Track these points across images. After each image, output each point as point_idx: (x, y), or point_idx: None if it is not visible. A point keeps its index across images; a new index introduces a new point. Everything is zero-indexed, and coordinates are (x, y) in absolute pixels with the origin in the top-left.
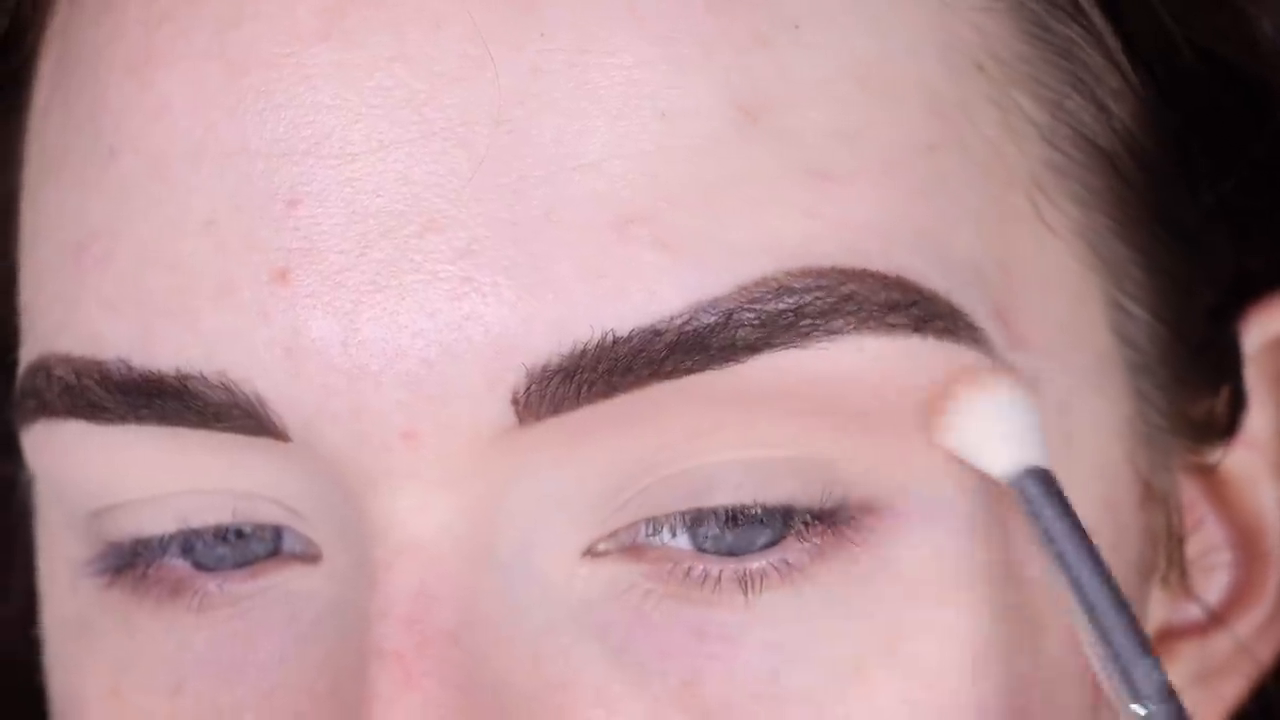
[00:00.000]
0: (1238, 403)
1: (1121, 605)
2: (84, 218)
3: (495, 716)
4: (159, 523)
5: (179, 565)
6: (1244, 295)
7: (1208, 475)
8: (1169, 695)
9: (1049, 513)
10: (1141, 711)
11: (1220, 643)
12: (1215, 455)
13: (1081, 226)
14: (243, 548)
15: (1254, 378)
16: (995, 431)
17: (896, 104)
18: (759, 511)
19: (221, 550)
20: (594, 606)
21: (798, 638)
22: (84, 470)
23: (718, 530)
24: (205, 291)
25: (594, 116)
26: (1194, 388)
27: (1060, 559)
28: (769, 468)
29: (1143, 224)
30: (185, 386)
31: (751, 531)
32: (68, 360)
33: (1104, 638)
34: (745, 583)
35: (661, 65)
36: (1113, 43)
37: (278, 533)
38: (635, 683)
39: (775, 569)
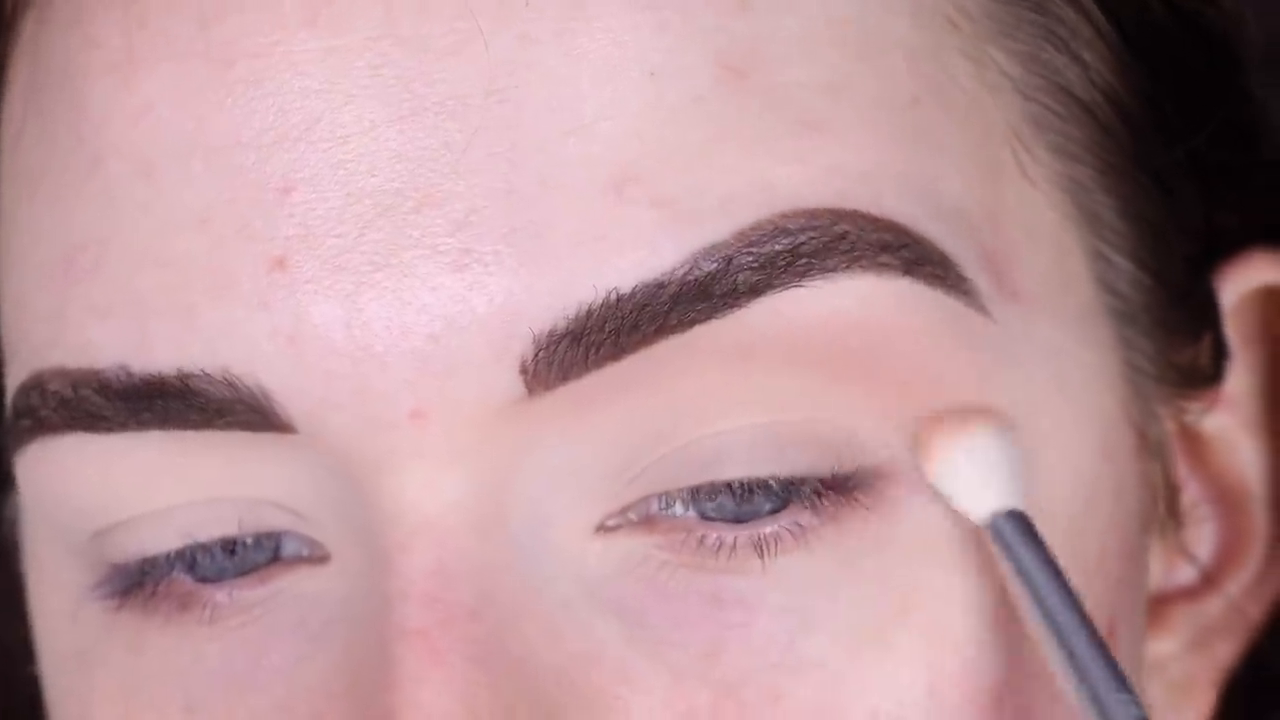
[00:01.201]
0: (1219, 350)
1: (1098, 642)
2: (69, 230)
3: (521, 692)
4: (162, 539)
5: (184, 580)
6: (1218, 252)
7: (1190, 438)
8: None
9: (1024, 554)
10: None
11: (1212, 605)
12: (1202, 406)
13: (1061, 177)
14: (243, 557)
15: (1230, 335)
16: (970, 476)
17: (877, 60)
18: (774, 484)
19: (223, 562)
20: (609, 580)
21: (814, 603)
22: (83, 486)
23: (724, 502)
24: (201, 287)
25: (584, 81)
26: (1177, 335)
27: (1037, 600)
28: (779, 434)
29: (1122, 172)
30: (187, 385)
31: (757, 501)
32: (62, 373)
33: (1082, 676)
34: (760, 547)
35: (647, 28)
36: None
37: (276, 540)
38: (655, 656)
39: (789, 531)
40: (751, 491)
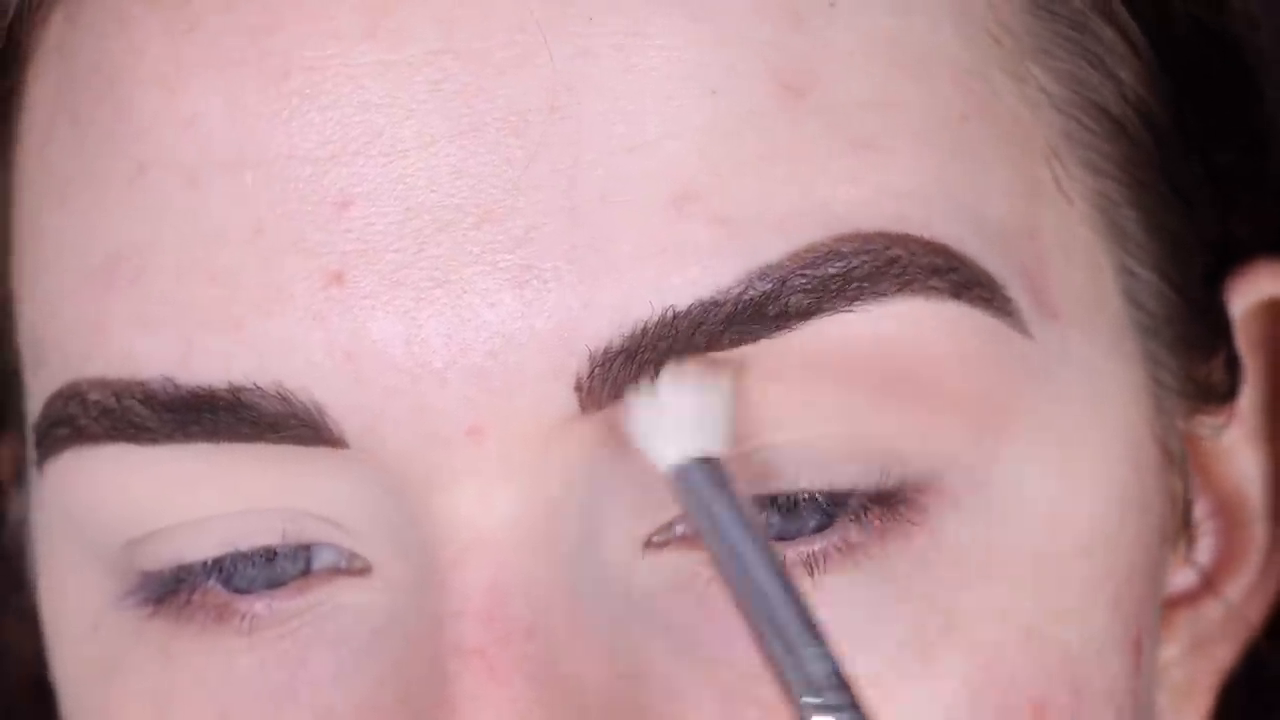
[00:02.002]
0: (1233, 366)
1: (793, 595)
2: (108, 238)
3: (574, 710)
4: (200, 548)
5: (219, 590)
6: (1228, 262)
7: (1192, 445)
8: (841, 683)
9: (712, 504)
10: (815, 700)
11: (1210, 609)
12: (1218, 421)
13: (1093, 193)
14: (277, 567)
15: (1239, 345)
16: (662, 423)
17: (927, 77)
18: (820, 497)
19: (256, 572)
20: (657, 597)
21: (861, 620)
22: (121, 495)
23: (770, 516)
24: (253, 300)
25: (644, 97)
26: (1196, 349)
27: (723, 550)
28: (825, 449)
29: (1148, 186)
30: (238, 399)
31: (803, 516)
32: (103, 383)
33: (774, 630)
34: (810, 564)
35: (706, 44)
36: (1120, 11)
37: (309, 551)
38: (704, 674)
39: (836, 549)
40: (796, 505)
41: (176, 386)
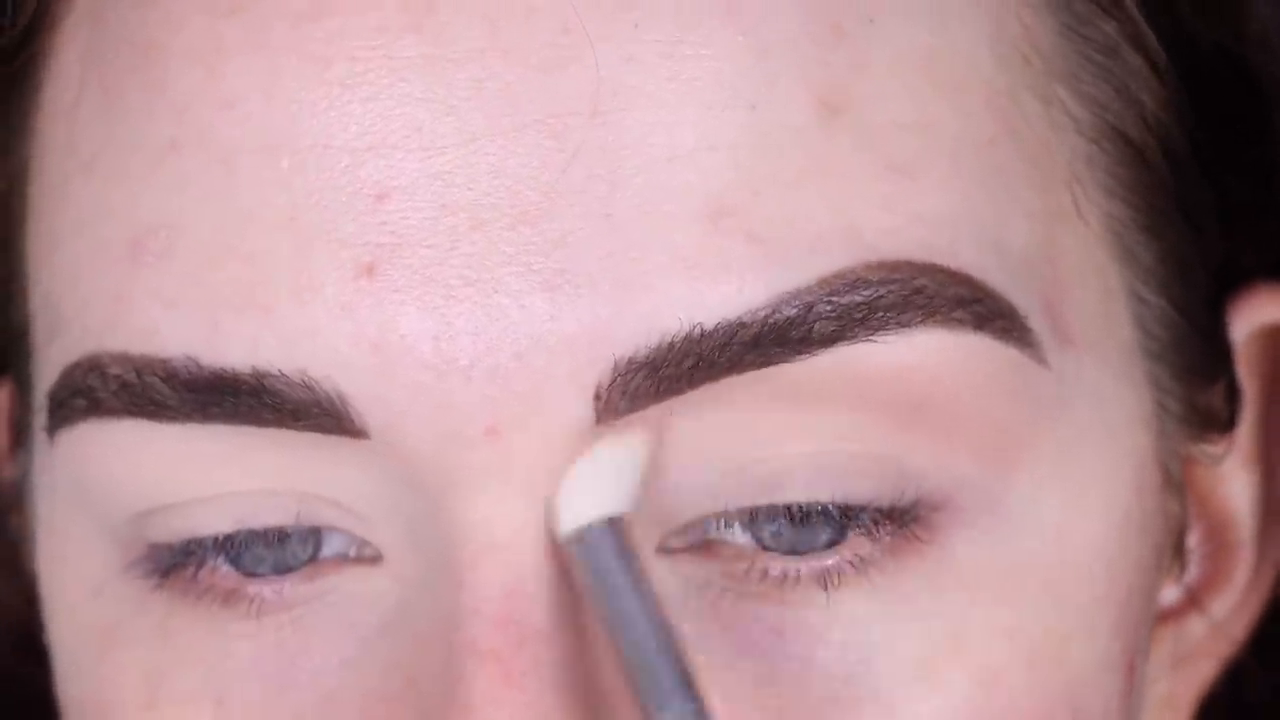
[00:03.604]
0: (1234, 393)
1: (673, 646)
2: (137, 212)
3: (589, 715)
4: (211, 523)
5: (227, 571)
6: (1229, 285)
7: (1188, 466)
8: None
9: (604, 570)
10: None
11: (1193, 627)
12: (1218, 450)
13: (1108, 217)
14: (282, 551)
15: (1238, 368)
16: (564, 495)
17: (960, 97)
18: (832, 509)
19: (262, 553)
20: (671, 602)
21: (872, 637)
22: (137, 471)
23: (782, 528)
24: (282, 286)
25: (687, 108)
26: (1199, 375)
27: (612, 609)
28: (838, 462)
29: (1162, 212)
30: (262, 384)
31: (815, 529)
32: (125, 358)
33: (646, 680)
34: (825, 580)
35: (750, 57)
36: (1149, 39)
37: (319, 536)
38: (713, 681)
39: (850, 564)
40: (808, 516)
41: (200, 367)
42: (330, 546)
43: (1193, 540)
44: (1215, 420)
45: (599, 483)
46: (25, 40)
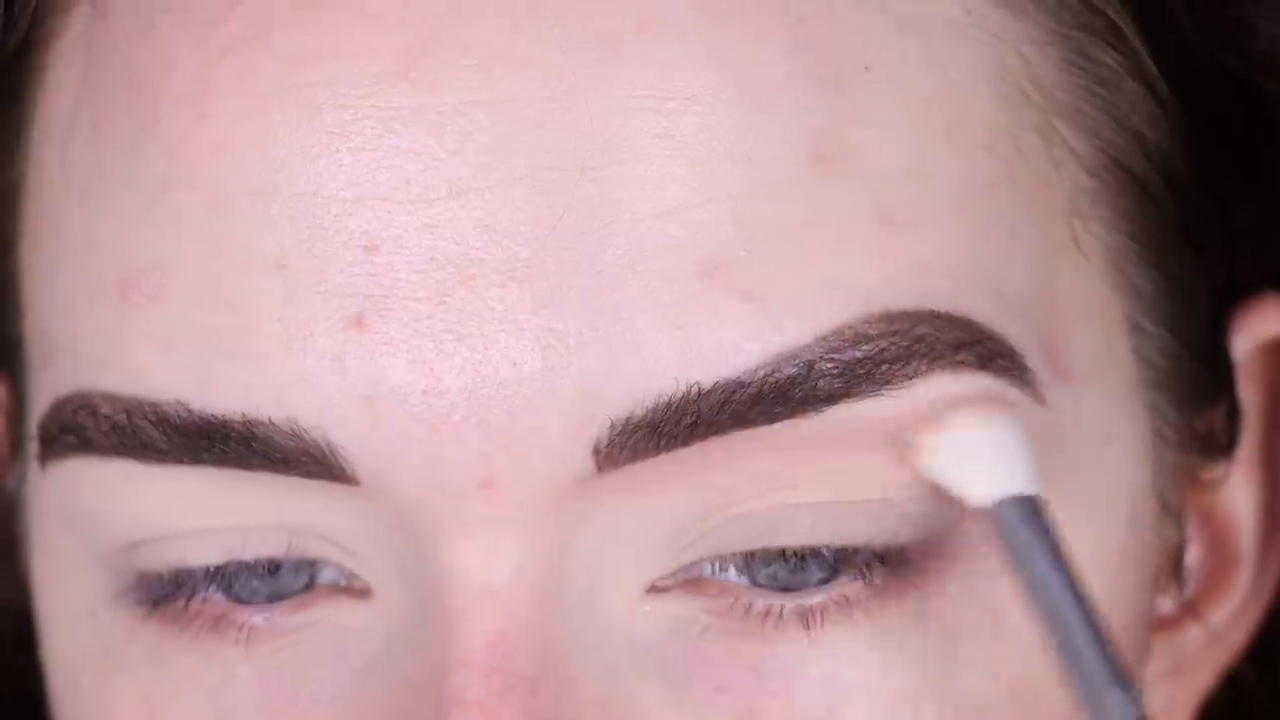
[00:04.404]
0: (1235, 415)
1: (1101, 637)
2: (128, 250)
3: None
4: (202, 554)
5: (218, 599)
6: (1231, 299)
7: (1189, 477)
8: None
9: (1032, 542)
10: None
11: (1192, 635)
12: (1218, 471)
13: (1110, 251)
14: (280, 581)
15: (1239, 383)
16: (977, 460)
17: (959, 141)
18: (827, 553)
19: (256, 583)
20: (656, 643)
21: (854, 674)
22: (126, 507)
23: (778, 570)
24: (273, 335)
25: (677, 163)
26: (1199, 400)
27: (1040, 589)
28: (839, 510)
29: (1164, 243)
30: (252, 432)
31: (809, 569)
32: (115, 399)
33: (1084, 673)
34: (806, 618)
35: (741, 109)
36: (1150, 68)
37: (313, 566)
38: (694, 716)
39: (835, 604)
40: (804, 560)
41: (190, 412)
42: (325, 575)
43: (1191, 556)
44: (1215, 443)
45: (1004, 456)
46: (19, 54)
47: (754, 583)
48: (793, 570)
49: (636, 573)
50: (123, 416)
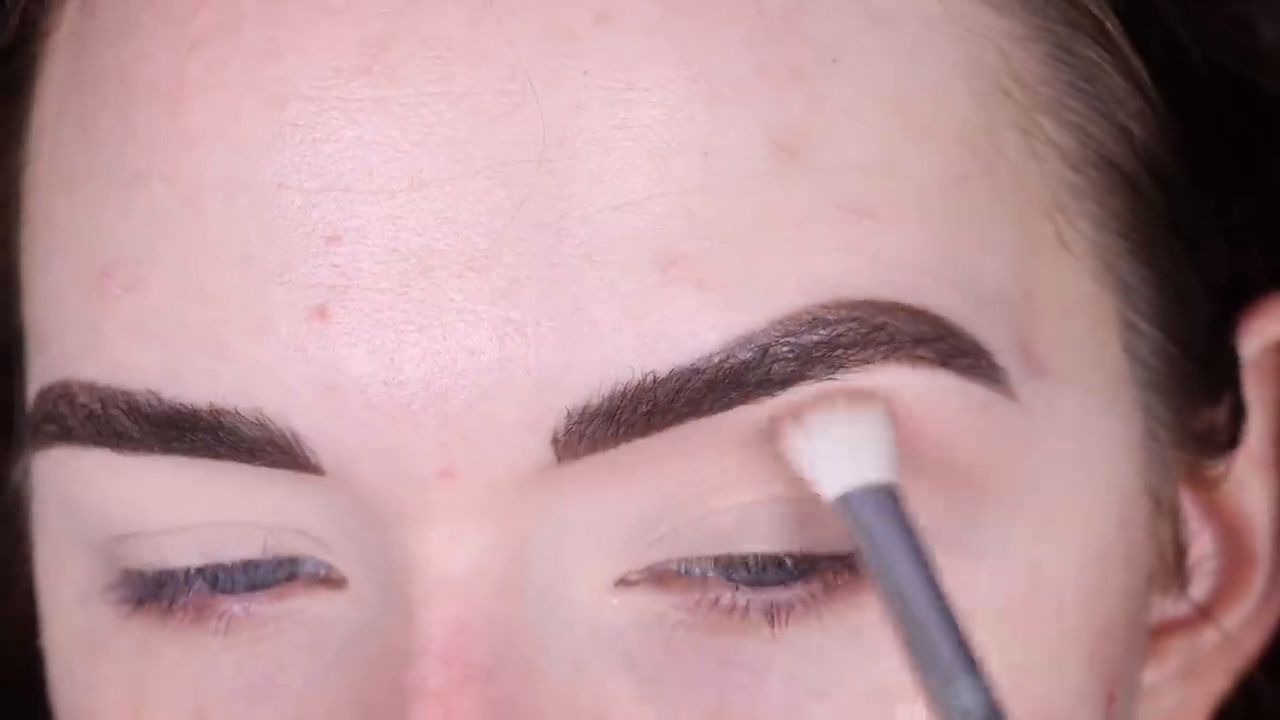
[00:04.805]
0: (1238, 413)
1: (952, 624)
2: (106, 242)
3: None
4: (182, 555)
5: (200, 589)
6: (1238, 302)
7: (1198, 474)
8: (996, 714)
9: (880, 532)
10: None
11: (1207, 638)
12: (1219, 468)
13: (1098, 247)
14: (258, 571)
15: (1249, 382)
16: (831, 452)
17: (929, 136)
18: (789, 562)
19: (241, 576)
20: (624, 636)
21: (822, 671)
22: (106, 497)
23: (750, 572)
24: (240, 326)
25: (635, 155)
26: (1198, 400)
27: (885, 578)
28: (798, 510)
29: (1156, 241)
30: (219, 421)
31: (782, 571)
32: (92, 388)
33: (932, 658)
34: (772, 614)
35: (701, 102)
36: (1136, 64)
37: (295, 559)
38: (664, 713)
39: (803, 602)
40: (765, 568)
41: (160, 401)
42: (306, 566)
43: (1200, 555)
44: (1215, 440)
45: (858, 450)
46: (19, 45)
47: (727, 577)
48: (758, 574)
49: (603, 566)
50: (98, 406)
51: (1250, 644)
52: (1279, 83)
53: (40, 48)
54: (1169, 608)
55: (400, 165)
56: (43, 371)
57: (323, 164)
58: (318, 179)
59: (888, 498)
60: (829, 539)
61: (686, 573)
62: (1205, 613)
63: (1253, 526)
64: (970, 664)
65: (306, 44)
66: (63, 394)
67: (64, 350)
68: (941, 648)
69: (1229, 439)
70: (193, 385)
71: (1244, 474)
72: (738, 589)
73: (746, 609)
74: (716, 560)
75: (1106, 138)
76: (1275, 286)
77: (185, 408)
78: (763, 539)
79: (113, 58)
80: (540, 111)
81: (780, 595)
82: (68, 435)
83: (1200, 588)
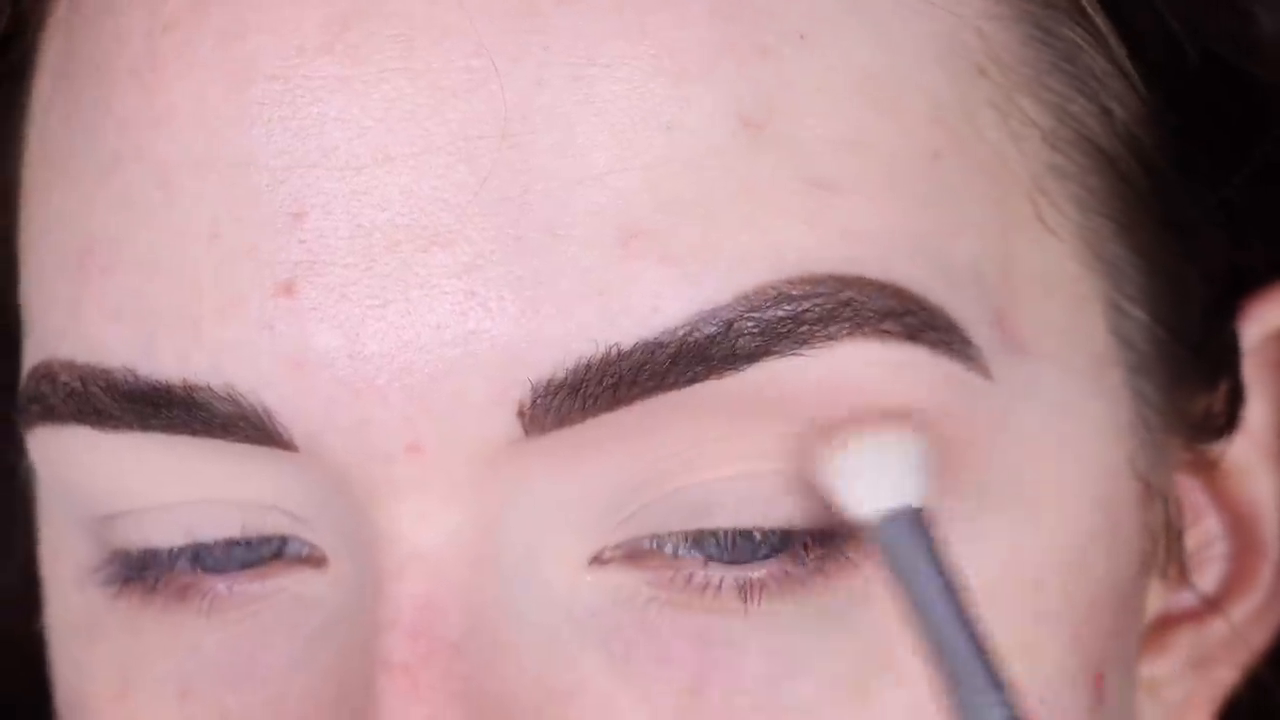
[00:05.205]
0: (1236, 398)
1: (980, 648)
2: (86, 224)
3: None
4: (167, 535)
5: (186, 570)
6: (1242, 289)
7: (1205, 465)
8: None
9: (911, 557)
10: None
11: (1215, 629)
12: (1215, 451)
13: (1082, 229)
14: (246, 550)
15: (1252, 370)
16: (861, 474)
17: (900, 112)
18: (759, 536)
19: (227, 554)
20: (598, 614)
21: (798, 649)
22: (90, 476)
23: (720, 547)
24: (210, 303)
25: (598, 130)
26: (1192, 386)
27: (915, 600)
28: (770, 485)
29: (1144, 225)
30: (192, 397)
31: (756, 544)
32: (72, 366)
33: (961, 678)
34: (745, 592)
35: (665, 77)
36: (1116, 46)
37: (281, 538)
38: (638, 690)
39: (775, 579)
40: (735, 543)
41: (137, 378)
42: (291, 546)
43: (1196, 541)
44: (1212, 425)
45: (888, 472)
46: (17, 33)
47: (700, 553)
48: (739, 546)
49: (576, 543)
50: (78, 383)
51: (1259, 637)
52: (1276, 73)
53: (37, 35)
54: (1172, 597)
55: (364, 142)
56: (32, 352)
57: (288, 142)
58: (283, 157)
59: (917, 521)
60: (799, 514)
61: (659, 548)
62: (1213, 604)
63: (1261, 516)
64: (999, 685)
65: (272, 23)
66: (45, 373)
67: (48, 331)
68: (970, 669)
69: (1226, 423)
70: (167, 362)
71: (1252, 464)
72: (710, 565)
73: (720, 586)
74: (687, 535)
75: (1088, 118)
76: (1277, 276)
77: (160, 384)
78: (733, 514)
79: (93, 42)
80: (502, 88)
81: (754, 572)
82: (51, 414)
83: (1209, 579)
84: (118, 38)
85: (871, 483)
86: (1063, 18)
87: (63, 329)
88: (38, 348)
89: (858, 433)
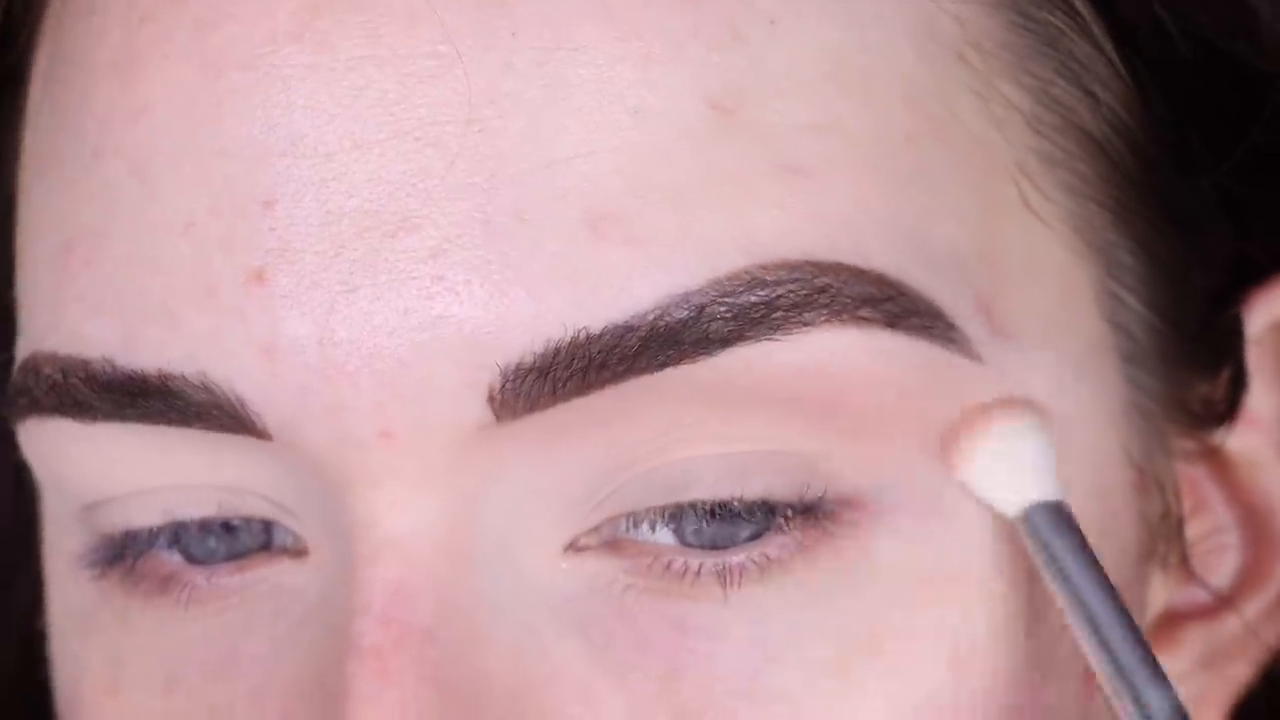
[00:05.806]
0: (1238, 385)
1: (1136, 637)
2: (69, 218)
3: (472, 713)
4: (147, 516)
5: (169, 558)
6: (1246, 278)
7: (1215, 458)
8: (1182, 718)
9: (1058, 546)
10: None
11: (1228, 625)
12: (1216, 438)
13: (1072, 215)
14: (233, 541)
15: (1257, 360)
16: (1003, 467)
17: (873, 96)
18: (739, 506)
19: (212, 543)
20: (576, 601)
21: (779, 635)
22: (74, 466)
23: (700, 524)
24: (186, 293)
25: (565, 114)
26: (1190, 374)
27: (1071, 593)
28: (746, 461)
29: (1138, 212)
30: (168, 386)
31: (734, 525)
32: (54, 359)
33: (1118, 671)
34: (724, 577)
35: (632, 61)
36: (1099, 31)
37: (268, 527)
38: (616, 678)
39: (755, 563)
40: (721, 515)
41: (115, 368)
42: (279, 537)
43: (1200, 531)
44: (1213, 413)
45: (1028, 467)
46: (15, 36)
47: (683, 541)
48: (713, 526)
49: (552, 530)
50: (59, 376)
51: (1274, 632)
52: (1276, 64)
53: (32, 41)
54: (1182, 593)
55: (332, 129)
56: (21, 348)
57: (259, 131)
58: (255, 145)
59: (1062, 513)
60: (777, 490)
61: (635, 527)
62: (1225, 600)
63: (1274, 509)
64: (1157, 672)
65: (244, 13)
66: (31, 367)
67: (34, 325)
68: (1128, 658)
69: (1227, 410)
70: (145, 353)
71: (1264, 456)
72: (689, 550)
73: (699, 572)
74: (664, 510)
75: (1073, 102)
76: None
77: (136, 374)
78: (711, 487)
79: (77, 38)
80: (468, 73)
81: (733, 558)
82: (35, 407)
83: (1220, 574)
84: (97, 34)
85: (1011, 479)
86: (1044, 3)
87: (48, 323)
88: (26, 343)
89: (998, 427)
